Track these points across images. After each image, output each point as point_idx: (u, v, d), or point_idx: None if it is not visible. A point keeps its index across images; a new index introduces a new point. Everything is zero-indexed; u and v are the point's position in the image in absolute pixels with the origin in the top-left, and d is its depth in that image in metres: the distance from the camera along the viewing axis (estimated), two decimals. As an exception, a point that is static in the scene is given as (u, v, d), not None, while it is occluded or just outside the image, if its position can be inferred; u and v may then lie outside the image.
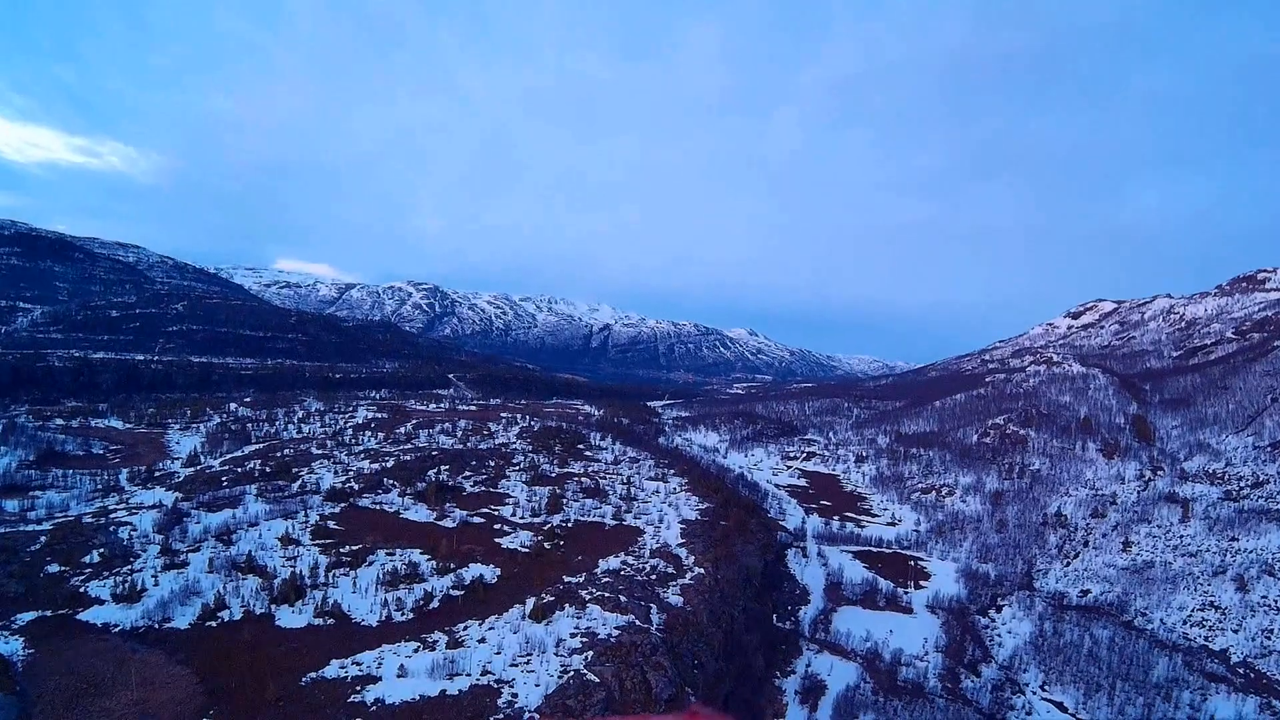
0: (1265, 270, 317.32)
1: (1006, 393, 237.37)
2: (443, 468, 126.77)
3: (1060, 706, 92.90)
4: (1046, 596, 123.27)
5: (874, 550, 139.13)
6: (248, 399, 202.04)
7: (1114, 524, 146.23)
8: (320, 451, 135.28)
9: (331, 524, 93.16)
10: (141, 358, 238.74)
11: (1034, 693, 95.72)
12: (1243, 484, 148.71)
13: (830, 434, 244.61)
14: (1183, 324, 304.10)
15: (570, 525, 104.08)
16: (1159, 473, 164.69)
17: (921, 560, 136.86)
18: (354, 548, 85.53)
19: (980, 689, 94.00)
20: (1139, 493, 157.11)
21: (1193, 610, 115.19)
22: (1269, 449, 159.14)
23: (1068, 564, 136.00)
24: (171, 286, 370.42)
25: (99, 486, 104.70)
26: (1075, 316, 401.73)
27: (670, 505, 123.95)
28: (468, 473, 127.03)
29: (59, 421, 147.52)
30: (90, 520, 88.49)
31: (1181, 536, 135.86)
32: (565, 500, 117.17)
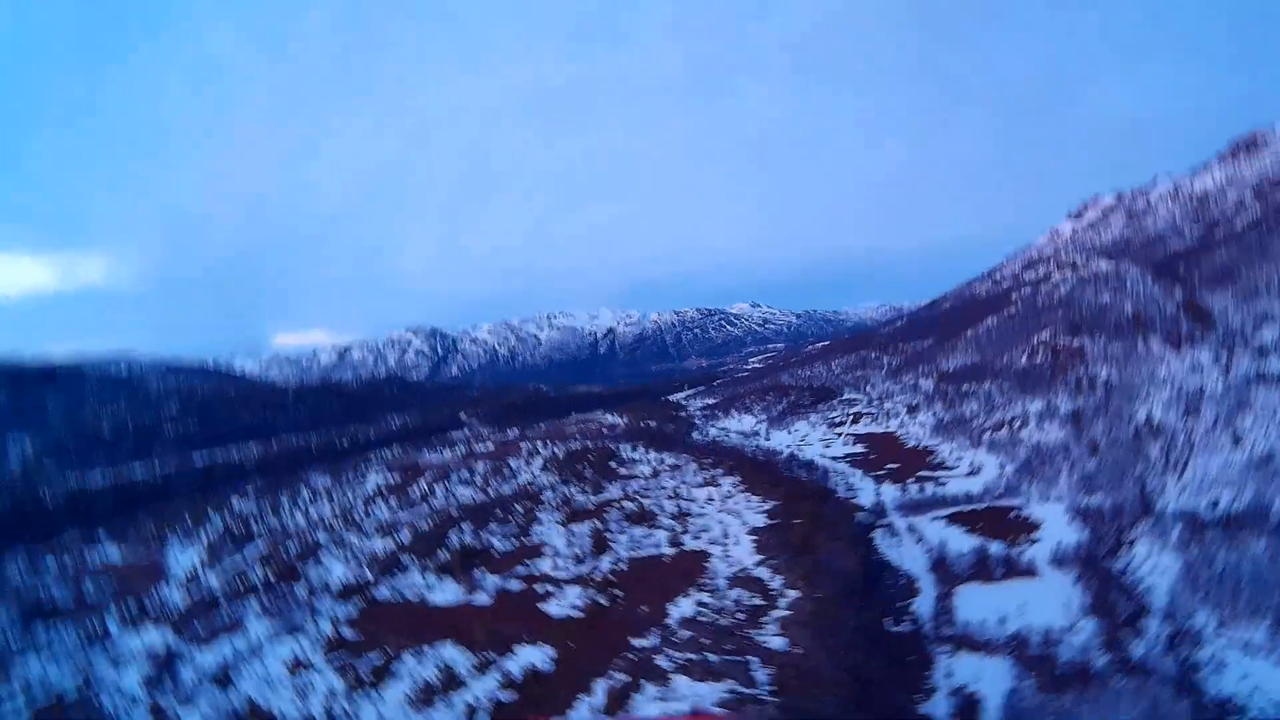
0: (1262, 130, 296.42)
1: (1040, 306, 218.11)
2: (464, 526, 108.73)
3: (1253, 647, 73.45)
4: (1175, 518, 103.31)
5: (966, 510, 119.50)
6: (251, 491, 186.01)
7: (1212, 419, 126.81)
8: (328, 537, 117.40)
9: (346, 631, 74.88)
10: (140, 470, 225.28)
11: (1215, 638, 76.41)
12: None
13: (868, 389, 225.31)
14: (1194, 201, 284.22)
15: (623, 567, 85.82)
16: (1235, 354, 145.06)
17: (1022, 509, 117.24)
18: (375, 659, 67.26)
19: (1153, 651, 74.61)
20: (1223, 379, 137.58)
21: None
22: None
23: (1180, 475, 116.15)
24: (166, 389, 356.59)
25: (86, 639, 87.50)
26: (1078, 217, 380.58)
27: (730, 513, 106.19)
28: (493, 526, 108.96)
29: (50, 560, 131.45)
30: (72, 693, 70.96)
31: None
32: (610, 535, 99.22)
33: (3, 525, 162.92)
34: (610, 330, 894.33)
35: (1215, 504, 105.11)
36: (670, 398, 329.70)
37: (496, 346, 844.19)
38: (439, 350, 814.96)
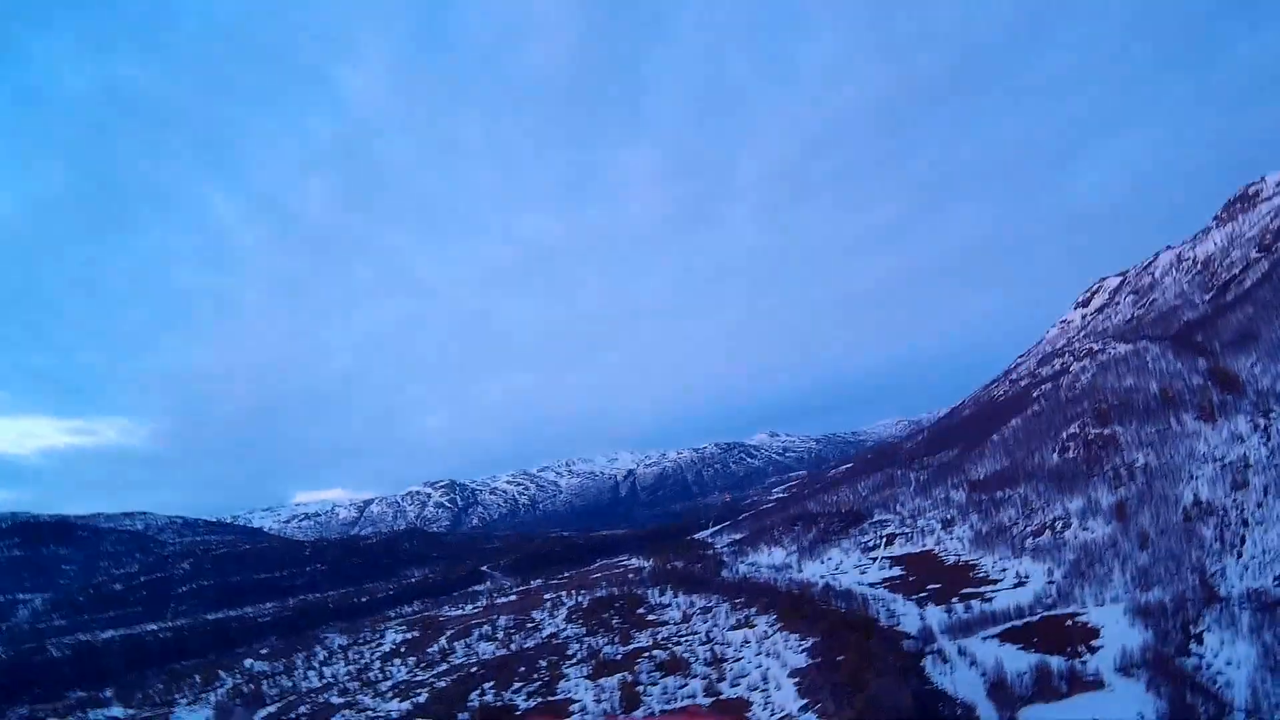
0: (1254, 183, 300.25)
1: (1063, 399, 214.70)
2: (486, 686, 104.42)
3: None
4: (1242, 602, 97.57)
5: (1018, 625, 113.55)
6: (265, 650, 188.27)
7: (1264, 489, 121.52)
8: (342, 700, 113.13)
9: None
10: (153, 627, 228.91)
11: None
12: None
13: (897, 508, 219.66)
14: (1198, 266, 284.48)
15: (650, 715, 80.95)
16: (1272, 415, 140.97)
17: (1078, 615, 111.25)
18: None
19: (1245, 757, 69.02)
20: (1265, 445, 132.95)
21: None
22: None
23: (1239, 555, 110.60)
24: (183, 546, 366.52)
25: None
26: (1085, 304, 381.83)
27: (769, 654, 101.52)
28: (517, 683, 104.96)
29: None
30: None
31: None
32: (642, 687, 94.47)
33: (7, 683, 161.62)
34: (630, 472, 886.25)
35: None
36: (696, 536, 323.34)
37: (517, 495, 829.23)
38: (459, 502, 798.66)
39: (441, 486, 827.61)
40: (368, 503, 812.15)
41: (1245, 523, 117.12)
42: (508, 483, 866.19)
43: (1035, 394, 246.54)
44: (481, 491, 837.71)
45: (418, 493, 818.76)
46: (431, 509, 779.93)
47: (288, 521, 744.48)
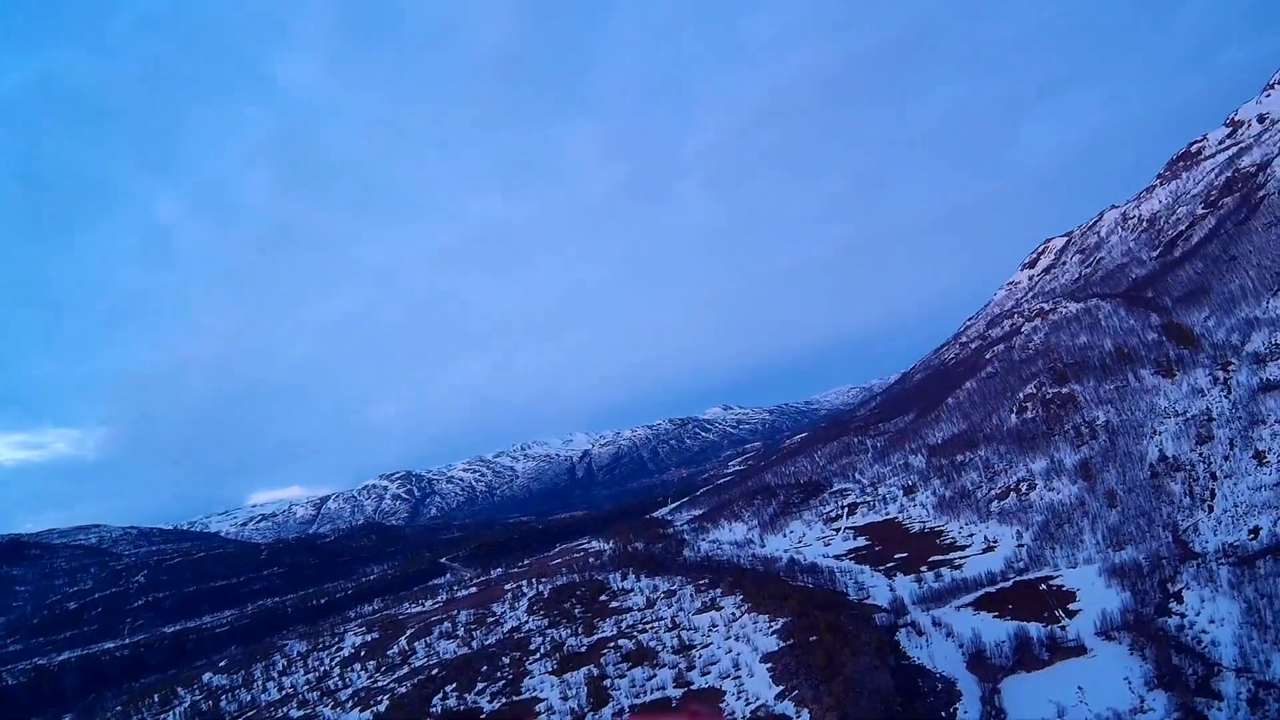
0: (1196, 141, 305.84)
1: (1017, 360, 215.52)
2: (448, 689, 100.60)
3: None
4: (1218, 557, 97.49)
5: (992, 591, 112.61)
6: (224, 662, 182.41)
7: (1228, 442, 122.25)
8: (301, 713, 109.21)
9: None
10: (110, 645, 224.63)
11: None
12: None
13: (857, 476, 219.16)
14: (1144, 224, 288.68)
15: (626, 717, 77.78)
16: (1230, 368, 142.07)
17: (1052, 578, 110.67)
18: None
19: (1238, 716, 68.23)
20: (1227, 398, 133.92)
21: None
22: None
23: (1210, 509, 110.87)
24: (138, 557, 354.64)
25: None
26: (1032, 264, 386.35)
27: (738, 639, 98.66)
28: (480, 684, 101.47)
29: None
30: None
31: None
32: (609, 681, 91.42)
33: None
34: (586, 453, 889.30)
35: (1256, 532, 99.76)
36: (655, 514, 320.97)
37: (474, 483, 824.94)
38: (416, 493, 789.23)
39: (398, 478, 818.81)
40: (324, 499, 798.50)
41: (1214, 476, 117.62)
42: (464, 470, 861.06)
43: (988, 356, 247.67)
44: (438, 481, 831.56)
45: (374, 486, 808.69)
46: (389, 501, 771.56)
47: (245, 524, 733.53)
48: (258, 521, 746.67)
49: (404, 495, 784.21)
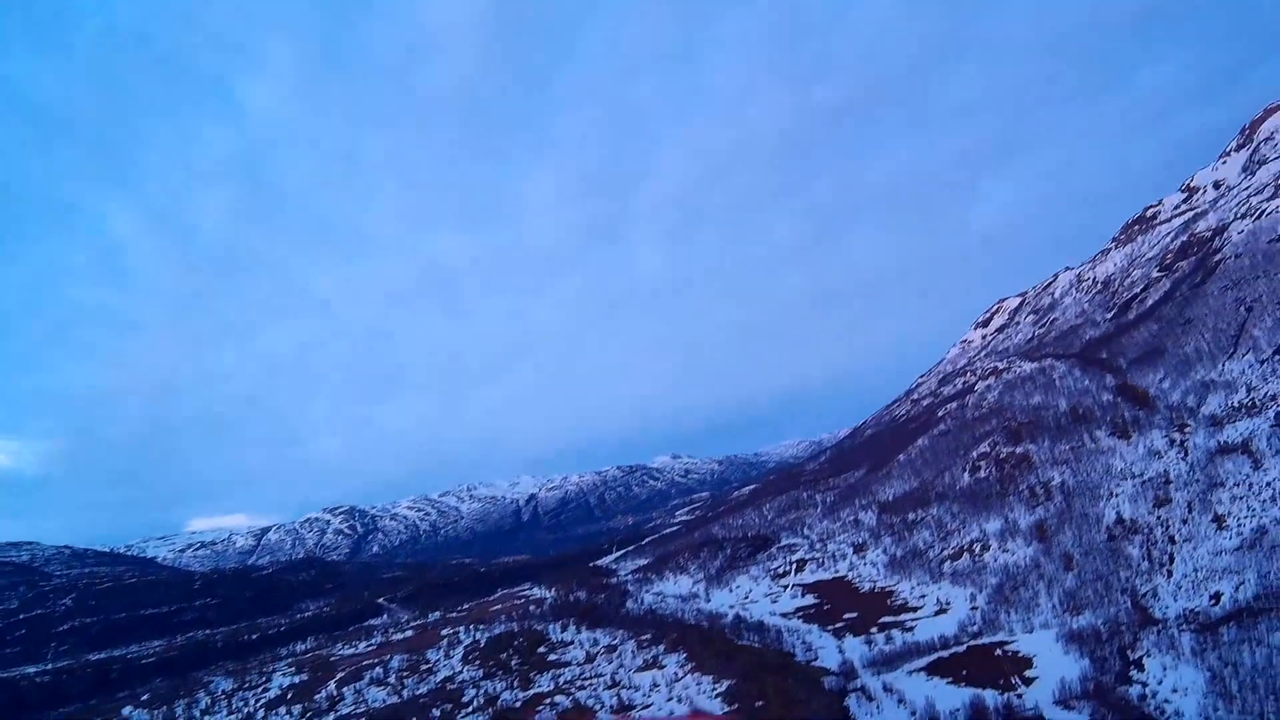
0: (1151, 206, 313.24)
1: (970, 418, 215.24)
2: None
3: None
4: (1180, 624, 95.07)
5: (945, 656, 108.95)
6: (146, 695, 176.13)
7: (1186, 505, 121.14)
8: None
9: None
10: (31, 670, 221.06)
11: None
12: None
13: (806, 531, 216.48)
14: (1098, 286, 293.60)
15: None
16: (1187, 430, 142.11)
17: (1007, 643, 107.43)
18: None
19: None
20: (1184, 460, 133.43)
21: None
22: (1276, 356, 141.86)
23: (1170, 574, 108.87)
24: (69, 579, 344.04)
25: None
26: (985, 324, 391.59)
27: (680, 700, 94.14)
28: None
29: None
30: None
31: (1270, 484, 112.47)
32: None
33: None
34: (532, 496, 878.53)
35: (1217, 598, 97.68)
36: (599, 562, 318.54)
37: (418, 521, 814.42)
38: (359, 529, 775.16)
39: (341, 513, 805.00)
40: (265, 530, 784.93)
41: (1172, 540, 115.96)
42: (408, 508, 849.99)
43: (941, 413, 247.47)
44: (382, 518, 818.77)
45: (317, 519, 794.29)
46: (331, 536, 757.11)
47: (183, 550, 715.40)
48: (196, 549, 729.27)
49: (346, 530, 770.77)
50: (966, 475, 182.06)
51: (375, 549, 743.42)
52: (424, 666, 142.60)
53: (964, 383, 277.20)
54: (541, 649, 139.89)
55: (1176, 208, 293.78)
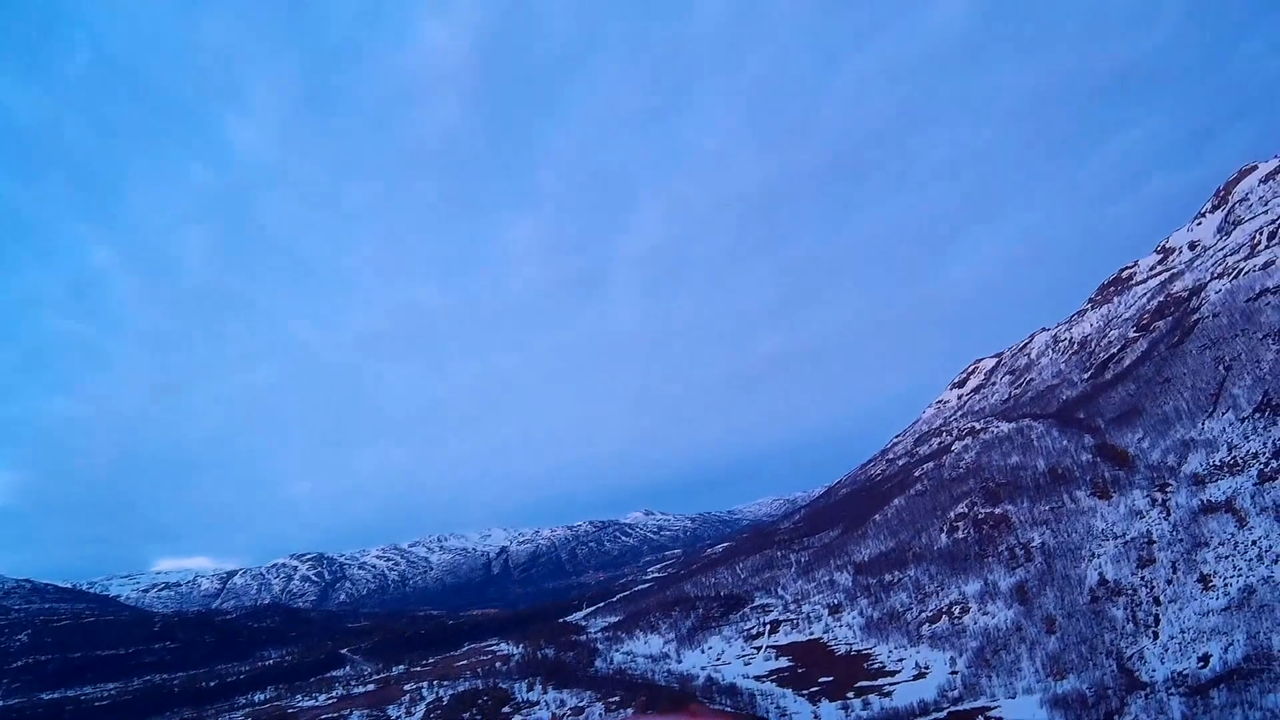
0: (1127, 267, 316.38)
1: (947, 479, 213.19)
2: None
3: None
4: (1167, 688, 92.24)
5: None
6: None
7: (1171, 565, 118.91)
8: None
9: None
10: None
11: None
12: (1264, 458, 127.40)
13: (780, 591, 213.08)
14: (1075, 346, 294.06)
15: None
16: (1168, 489, 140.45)
17: (990, 710, 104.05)
18: None
19: None
20: (1167, 520, 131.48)
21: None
22: (1256, 414, 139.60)
23: (1155, 636, 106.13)
24: (27, 614, 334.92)
25: None
26: (961, 384, 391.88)
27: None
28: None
29: None
30: None
31: (1256, 543, 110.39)
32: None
33: None
34: (504, 549, 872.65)
35: (1206, 660, 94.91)
36: (569, 618, 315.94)
37: (387, 571, 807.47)
38: (326, 576, 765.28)
39: (309, 559, 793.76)
40: (231, 574, 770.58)
41: (1157, 601, 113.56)
42: (377, 557, 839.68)
43: (917, 473, 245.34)
44: (350, 566, 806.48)
45: (284, 565, 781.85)
46: (298, 582, 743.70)
47: (147, 590, 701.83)
48: (160, 589, 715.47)
49: (314, 577, 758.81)
50: (944, 536, 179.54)
51: (342, 597, 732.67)
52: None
53: (940, 442, 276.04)
54: (506, 709, 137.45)
55: (1152, 269, 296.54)
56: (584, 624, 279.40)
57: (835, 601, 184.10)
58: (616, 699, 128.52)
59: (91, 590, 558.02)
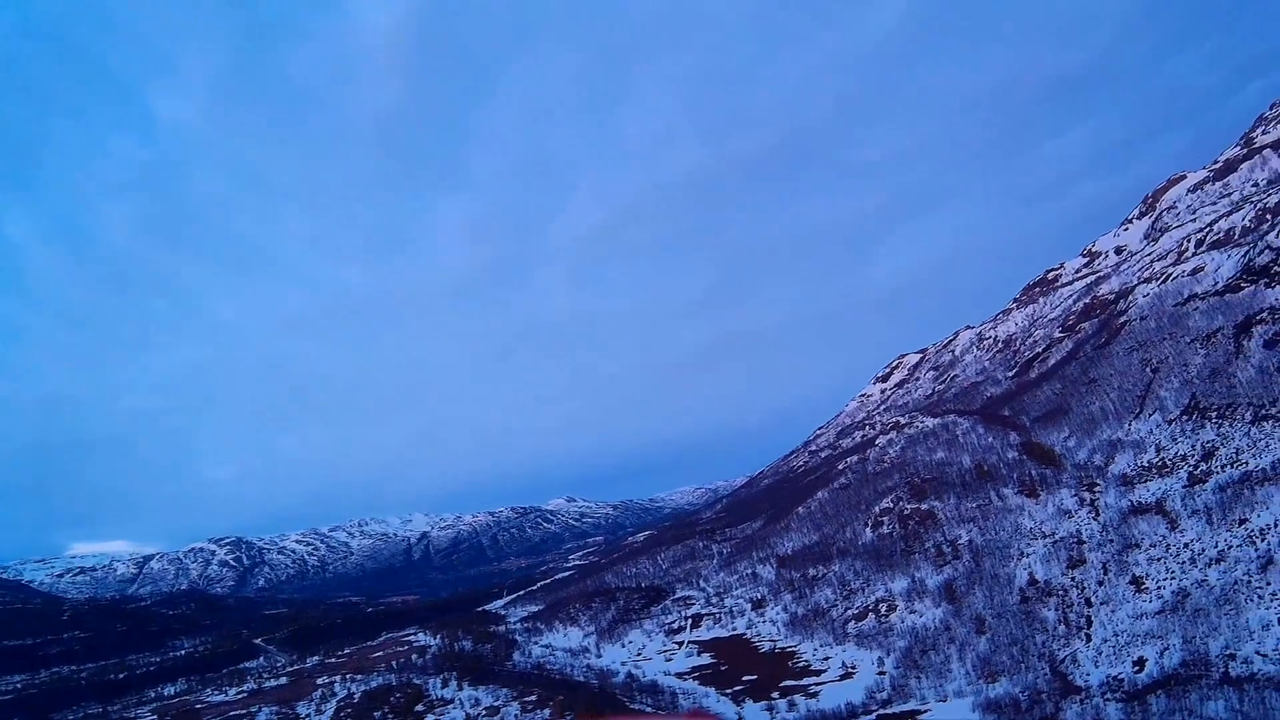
0: (1053, 269, 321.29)
1: (872, 472, 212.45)
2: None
3: None
4: (1103, 692, 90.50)
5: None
6: None
7: (1102, 566, 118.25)
8: None
9: None
10: None
11: None
12: (1193, 461, 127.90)
13: (702, 583, 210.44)
14: (999, 345, 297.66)
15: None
16: (1096, 489, 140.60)
17: (920, 713, 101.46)
18: None
19: None
20: (1095, 520, 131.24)
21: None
22: (1184, 417, 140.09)
23: (1089, 639, 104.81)
24: None
25: None
26: (885, 379, 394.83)
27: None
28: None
29: None
30: None
31: (1188, 546, 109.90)
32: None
33: None
34: (425, 535, 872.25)
35: (1141, 664, 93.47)
36: (488, 607, 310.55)
37: (306, 556, 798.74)
38: (245, 561, 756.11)
39: (227, 544, 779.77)
40: (148, 558, 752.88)
41: (1089, 603, 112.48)
42: (297, 542, 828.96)
43: (841, 466, 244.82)
44: (269, 550, 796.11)
45: (202, 549, 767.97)
46: (216, 567, 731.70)
47: (61, 575, 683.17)
48: (75, 574, 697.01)
49: (232, 562, 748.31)
50: (869, 531, 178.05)
51: (261, 583, 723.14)
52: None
53: (864, 436, 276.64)
54: (419, 707, 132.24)
55: (1078, 271, 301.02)
56: (504, 613, 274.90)
57: (758, 596, 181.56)
58: (533, 698, 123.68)
59: (3, 576, 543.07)
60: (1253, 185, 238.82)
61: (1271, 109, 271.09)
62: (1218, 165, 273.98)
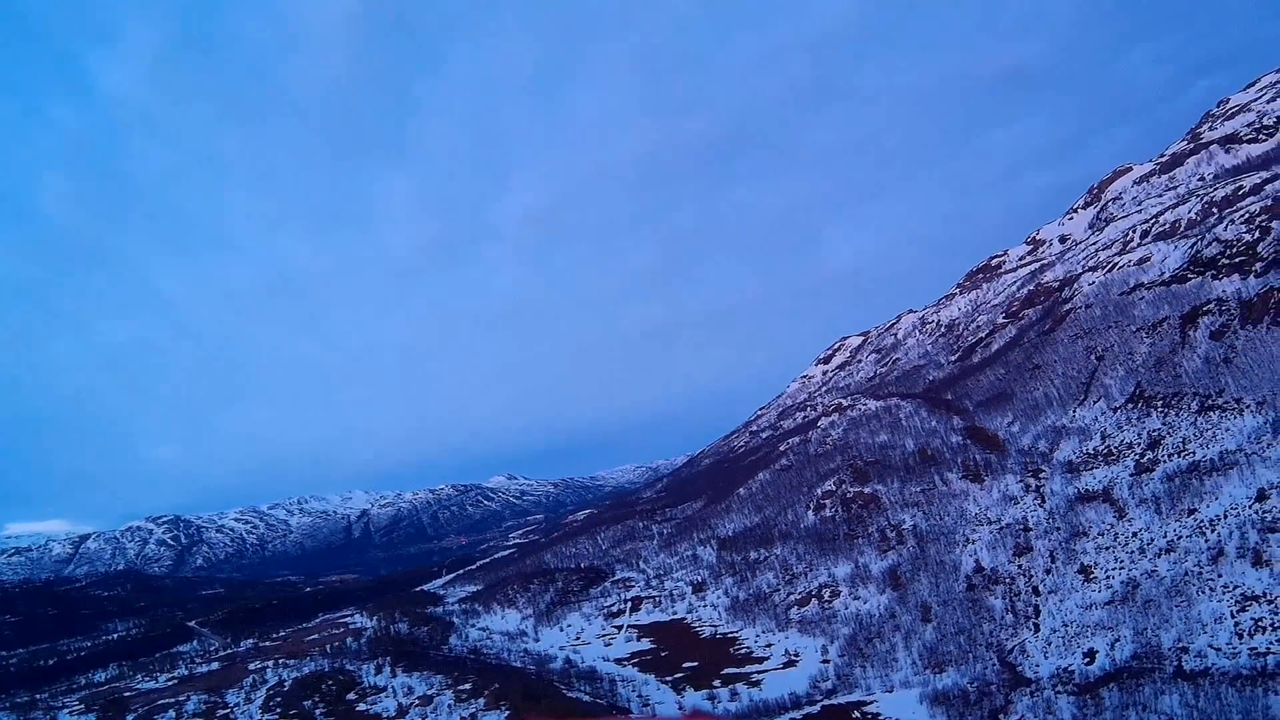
0: (996, 255, 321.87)
1: (814, 454, 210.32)
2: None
3: None
4: (1054, 685, 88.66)
5: (798, 717, 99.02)
6: None
7: (1049, 554, 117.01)
8: None
9: None
10: None
11: None
12: (1139, 449, 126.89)
13: (641, 565, 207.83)
14: (942, 329, 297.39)
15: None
16: (1042, 475, 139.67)
17: (866, 704, 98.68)
18: None
19: None
20: (1042, 507, 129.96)
21: (1234, 615, 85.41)
22: (1129, 405, 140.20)
23: (1037, 628, 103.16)
24: None
25: None
26: (827, 360, 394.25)
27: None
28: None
29: None
30: None
31: (1137, 535, 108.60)
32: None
33: None
34: (365, 513, 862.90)
35: (1091, 656, 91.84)
36: (428, 586, 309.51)
37: (245, 534, 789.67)
38: (183, 540, 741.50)
39: (165, 522, 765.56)
40: (85, 538, 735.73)
41: (1036, 591, 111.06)
42: (236, 520, 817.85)
43: (782, 447, 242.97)
44: (208, 529, 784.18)
45: (139, 528, 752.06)
46: (153, 546, 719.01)
47: None
48: (10, 555, 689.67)
49: (170, 541, 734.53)
50: (811, 514, 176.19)
51: (199, 561, 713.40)
52: (220, 712, 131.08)
53: (805, 417, 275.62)
54: (351, 696, 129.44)
55: (1022, 259, 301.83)
56: (442, 593, 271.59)
57: (699, 579, 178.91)
58: (468, 686, 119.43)
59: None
60: (1199, 180, 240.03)
61: (1219, 106, 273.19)
62: (1165, 159, 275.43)
